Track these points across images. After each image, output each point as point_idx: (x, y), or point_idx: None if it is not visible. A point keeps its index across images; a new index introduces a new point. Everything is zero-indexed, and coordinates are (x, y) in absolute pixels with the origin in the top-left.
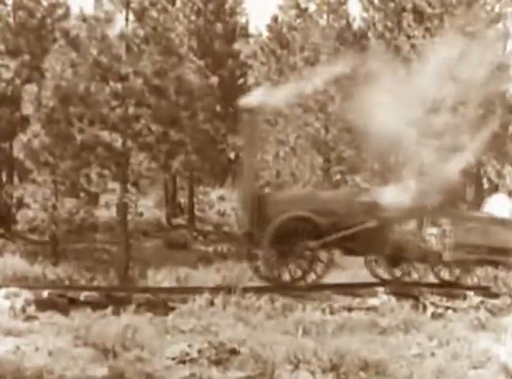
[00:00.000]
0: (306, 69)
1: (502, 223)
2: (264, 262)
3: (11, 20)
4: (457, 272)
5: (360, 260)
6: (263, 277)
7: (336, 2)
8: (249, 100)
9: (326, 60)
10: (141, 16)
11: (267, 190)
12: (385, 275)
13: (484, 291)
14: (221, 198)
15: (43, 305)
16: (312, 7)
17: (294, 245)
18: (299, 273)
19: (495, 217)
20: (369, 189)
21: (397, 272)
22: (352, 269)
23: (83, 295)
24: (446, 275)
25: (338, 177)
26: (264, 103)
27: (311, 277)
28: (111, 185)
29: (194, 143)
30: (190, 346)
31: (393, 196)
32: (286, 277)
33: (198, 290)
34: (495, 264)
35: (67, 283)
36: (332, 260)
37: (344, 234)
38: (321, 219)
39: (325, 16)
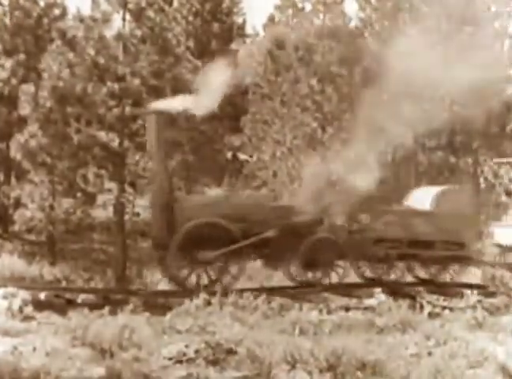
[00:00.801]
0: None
1: (421, 215)
2: (170, 269)
3: (7, 20)
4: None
5: None
6: (176, 283)
7: (332, 2)
8: (158, 105)
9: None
10: (138, 16)
11: (178, 195)
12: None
13: (482, 290)
14: None
15: (40, 305)
16: (309, 7)
17: (200, 252)
18: (206, 281)
19: (414, 210)
20: (283, 194)
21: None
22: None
23: (80, 298)
24: (421, 273)
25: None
26: (170, 109)
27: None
28: (108, 185)
29: (191, 143)
30: (187, 346)
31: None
32: (192, 284)
33: (195, 292)
34: (415, 258)
35: (64, 283)
36: (242, 268)
37: (252, 242)
38: (232, 225)
39: (321, 16)
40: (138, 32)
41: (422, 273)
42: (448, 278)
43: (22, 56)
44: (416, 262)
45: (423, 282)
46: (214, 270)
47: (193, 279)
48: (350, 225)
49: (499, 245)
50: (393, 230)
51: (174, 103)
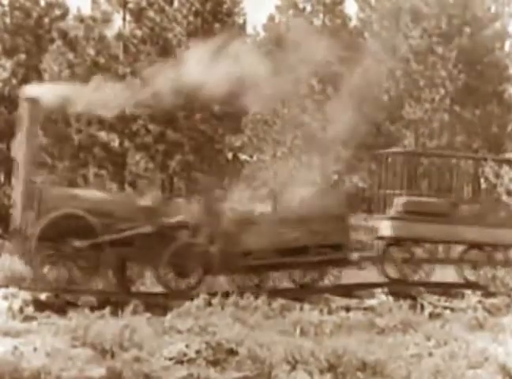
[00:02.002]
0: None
1: (289, 221)
2: (29, 261)
3: (8, 20)
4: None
5: None
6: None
7: (331, 2)
8: (31, 90)
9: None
10: (138, 16)
11: (42, 185)
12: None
13: (483, 291)
14: None
15: (40, 305)
16: (309, 7)
17: (61, 244)
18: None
19: (282, 216)
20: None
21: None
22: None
23: (81, 301)
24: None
25: (335, 177)
26: (45, 95)
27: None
28: (109, 185)
29: (192, 143)
30: (187, 346)
31: None
32: (52, 278)
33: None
34: (291, 266)
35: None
36: (97, 266)
37: (114, 238)
38: (96, 219)
39: (321, 16)
40: (139, 32)
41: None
42: (329, 282)
43: (22, 56)
44: (293, 270)
45: (424, 282)
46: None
47: (52, 272)
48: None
49: (382, 238)
50: (263, 240)
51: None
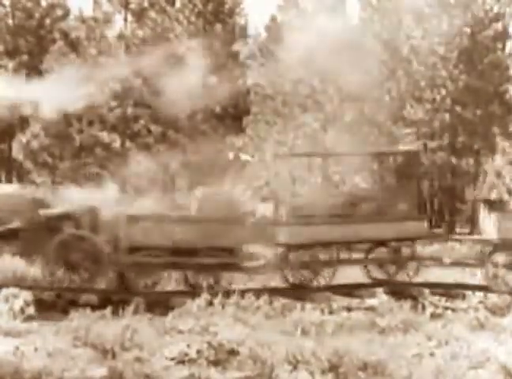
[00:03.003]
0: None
1: (182, 221)
2: None
3: (10, 20)
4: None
5: None
6: None
7: (333, 2)
8: None
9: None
10: (140, 16)
11: None
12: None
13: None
14: None
15: (42, 305)
16: (311, 7)
17: None
18: None
19: (174, 215)
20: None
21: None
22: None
23: (82, 300)
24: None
25: (337, 177)
26: None
27: None
28: (110, 185)
29: (193, 143)
30: (188, 346)
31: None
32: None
33: (197, 293)
34: (182, 267)
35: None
36: None
37: None
38: None
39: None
40: (140, 33)
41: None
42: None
43: (24, 57)
44: (183, 271)
45: (427, 283)
46: None
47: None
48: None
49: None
50: (151, 238)
51: None
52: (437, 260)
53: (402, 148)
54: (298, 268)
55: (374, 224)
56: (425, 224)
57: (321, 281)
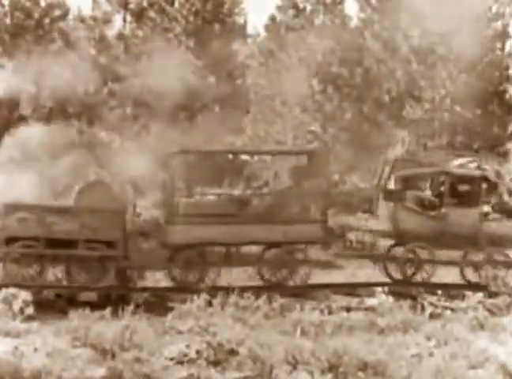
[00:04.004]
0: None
1: (59, 211)
2: None
3: (8, 20)
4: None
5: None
6: None
7: (332, 2)
8: None
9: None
10: (139, 16)
11: None
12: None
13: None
14: None
15: (41, 306)
16: (310, 7)
17: None
18: None
19: (52, 206)
20: None
21: None
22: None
23: (82, 296)
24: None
25: (336, 177)
26: None
27: None
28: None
29: (192, 143)
30: (188, 346)
31: None
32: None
33: (197, 290)
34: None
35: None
36: None
37: None
38: None
39: (321, 16)
40: (139, 32)
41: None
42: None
43: (24, 57)
44: (62, 264)
45: (427, 283)
46: None
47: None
48: None
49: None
50: (28, 228)
51: None
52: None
53: (303, 147)
54: (184, 267)
55: (266, 226)
56: (321, 227)
57: (208, 282)
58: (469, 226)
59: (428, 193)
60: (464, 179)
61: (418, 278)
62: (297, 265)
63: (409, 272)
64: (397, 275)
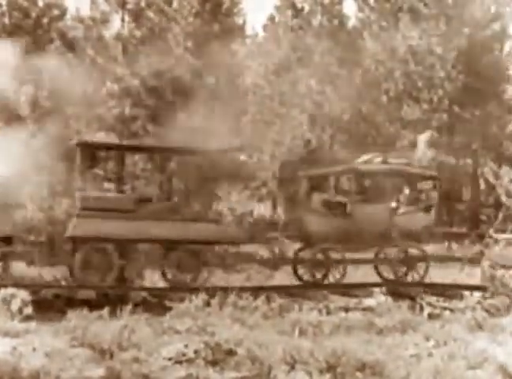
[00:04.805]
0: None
1: None
2: None
3: (6, 20)
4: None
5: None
6: None
7: (329, 3)
8: None
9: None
10: (137, 16)
11: None
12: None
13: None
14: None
15: (39, 306)
16: (308, 8)
17: None
18: None
19: None
20: None
21: None
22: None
23: (80, 294)
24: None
25: None
26: None
27: None
28: (107, 185)
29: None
30: (186, 346)
31: None
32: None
33: (195, 290)
34: None
35: (64, 283)
36: None
37: None
38: None
39: (318, 17)
40: (138, 33)
41: None
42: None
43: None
44: None
45: (425, 284)
46: None
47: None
48: None
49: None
50: None
51: None
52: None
53: (200, 146)
54: (83, 262)
55: (165, 223)
56: (225, 227)
57: (108, 279)
58: (379, 222)
59: (334, 191)
60: (370, 175)
61: (330, 279)
62: (200, 266)
63: (319, 273)
64: (307, 278)
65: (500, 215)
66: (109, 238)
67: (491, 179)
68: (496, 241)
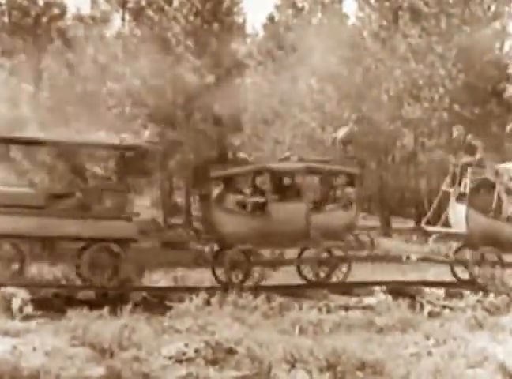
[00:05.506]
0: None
1: None
2: None
3: (6, 19)
4: None
5: None
6: None
7: (330, 1)
8: None
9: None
10: (137, 15)
11: None
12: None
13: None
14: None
15: (40, 305)
16: (308, 7)
17: None
18: None
19: None
20: None
21: None
22: None
23: (80, 294)
24: None
25: None
26: None
27: None
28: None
29: (191, 142)
30: (186, 345)
31: None
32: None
33: (195, 289)
34: None
35: (64, 282)
36: None
37: None
38: None
39: (319, 15)
40: (138, 32)
41: None
42: None
43: (22, 56)
44: None
45: (425, 282)
46: None
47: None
48: None
49: None
50: None
51: None
52: None
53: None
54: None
55: (76, 220)
56: (134, 225)
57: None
58: (296, 221)
59: (251, 190)
60: (285, 174)
61: (249, 282)
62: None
63: (238, 276)
64: (223, 279)
65: (434, 205)
66: (17, 235)
67: (491, 177)
68: (428, 234)
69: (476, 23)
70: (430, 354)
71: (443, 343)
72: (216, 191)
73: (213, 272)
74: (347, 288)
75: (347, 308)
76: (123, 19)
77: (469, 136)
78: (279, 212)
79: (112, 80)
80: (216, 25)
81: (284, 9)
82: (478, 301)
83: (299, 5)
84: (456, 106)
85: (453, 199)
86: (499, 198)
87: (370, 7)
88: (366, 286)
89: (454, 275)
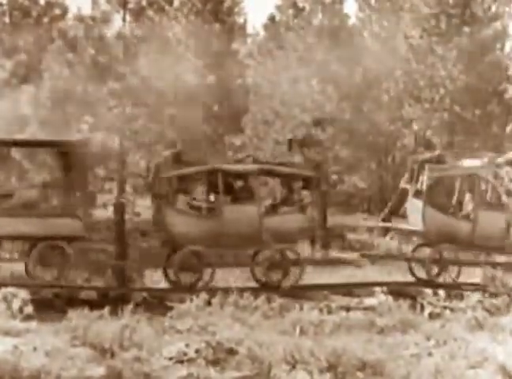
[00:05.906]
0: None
1: None
2: None
3: (7, 19)
4: None
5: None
6: None
7: (331, 2)
8: None
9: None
10: (138, 15)
11: None
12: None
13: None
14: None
15: (40, 305)
16: (309, 7)
17: None
18: None
19: None
20: None
21: None
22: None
23: (82, 294)
24: None
25: (335, 177)
26: None
27: None
28: (108, 185)
29: (192, 143)
30: (187, 346)
31: None
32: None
33: (196, 290)
34: None
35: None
36: None
37: None
38: None
39: (319, 15)
40: (139, 32)
41: None
42: None
43: (22, 56)
44: None
45: (423, 282)
46: None
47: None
48: None
49: None
50: None
51: None
52: None
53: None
54: None
55: (25, 219)
56: (80, 223)
57: None
58: (248, 223)
59: (204, 191)
60: (238, 175)
61: (200, 283)
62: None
63: (190, 277)
64: (174, 279)
65: (392, 202)
66: None
67: (491, 179)
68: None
69: (476, 24)
70: (430, 354)
71: (444, 343)
72: (167, 191)
73: (164, 273)
74: (347, 289)
75: (348, 309)
76: (124, 19)
77: (428, 133)
78: (231, 213)
79: (113, 80)
80: (216, 25)
81: (284, 10)
82: (478, 301)
83: (300, 5)
84: (456, 107)
85: (410, 196)
86: (460, 195)
87: (371, 8)
88: (366, 286)
89: (412, 274)
